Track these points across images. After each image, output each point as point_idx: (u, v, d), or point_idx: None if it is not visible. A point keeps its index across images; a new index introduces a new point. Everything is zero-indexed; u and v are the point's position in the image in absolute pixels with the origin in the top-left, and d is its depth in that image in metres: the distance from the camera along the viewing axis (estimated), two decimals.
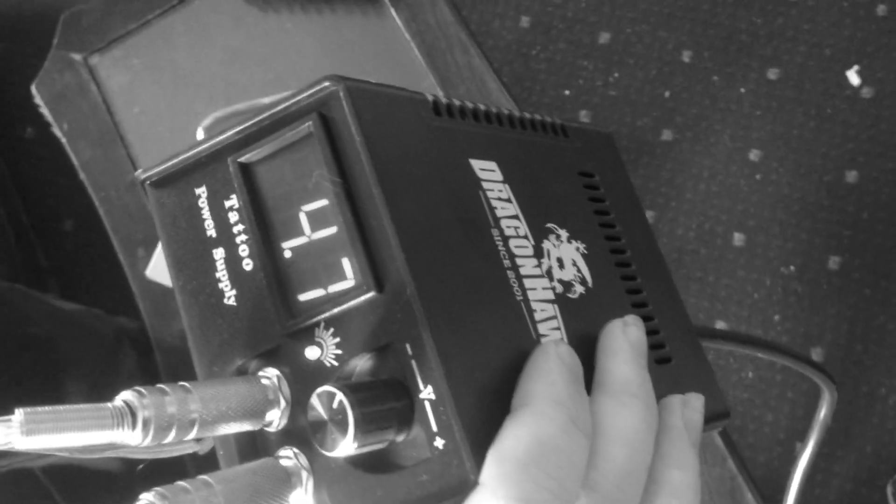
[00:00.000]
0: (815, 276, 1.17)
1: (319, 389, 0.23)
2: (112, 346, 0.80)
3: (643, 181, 1.26)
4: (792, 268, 1.18)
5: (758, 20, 1.29)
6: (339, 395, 0.23)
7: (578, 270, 0.30)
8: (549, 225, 0.30)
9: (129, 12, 0.81)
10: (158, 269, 0.74)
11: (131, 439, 0.23)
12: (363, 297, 0.25)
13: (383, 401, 0.24)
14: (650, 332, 0.30)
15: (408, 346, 0.24)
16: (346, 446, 0.23)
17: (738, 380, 1.15)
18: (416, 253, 0.24)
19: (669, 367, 0.31)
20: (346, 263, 0.25)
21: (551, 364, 0.25)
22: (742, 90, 1.27)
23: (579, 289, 0.29)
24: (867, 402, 1.12)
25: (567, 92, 1.31)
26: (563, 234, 0.30)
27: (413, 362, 0.24)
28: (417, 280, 0.24)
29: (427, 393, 0.24)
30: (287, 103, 0.26)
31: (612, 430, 0.26)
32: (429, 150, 0.27)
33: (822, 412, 0.49)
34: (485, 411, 0.24)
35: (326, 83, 0.26)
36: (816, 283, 1.16)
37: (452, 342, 0.24)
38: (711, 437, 0.64)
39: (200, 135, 0.78)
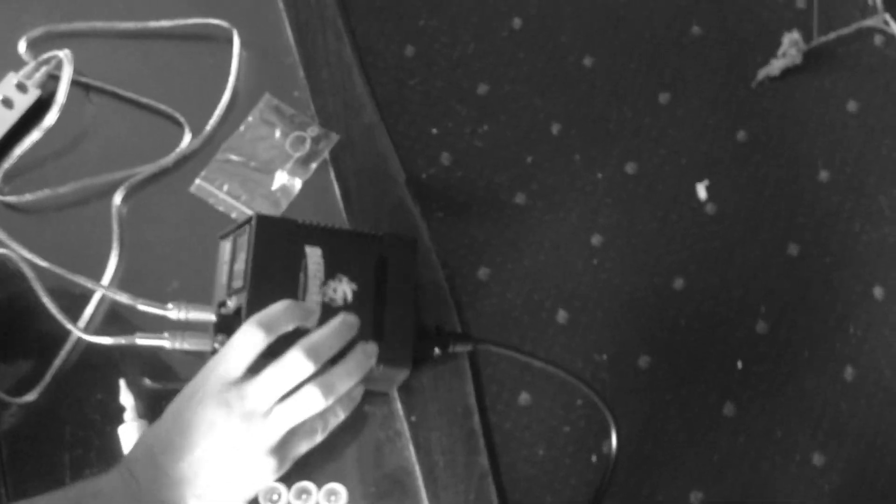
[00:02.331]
0: (624, 369, 1.18)
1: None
2: None
3: (487, 237, 1.24)
4: (605, 356, 1.19)
5: (628, 113, 1.32)
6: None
7: (344, 296, 0.60)
8: (339, 274, 0.60)
9: None
10: None
11: None
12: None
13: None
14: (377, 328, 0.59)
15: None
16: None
17: (527, 454, 1.14)
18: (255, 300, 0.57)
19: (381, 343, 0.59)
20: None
21: (277, 307, 0.56)
22: (599, 175, 1.28)
23: (340, 304, 0.60)
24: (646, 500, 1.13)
25: (434, 130, 1.28)
26: (345, 279, 0.60)
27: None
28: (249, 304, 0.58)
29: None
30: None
31: (283, 359, 0.54)
32: (284, 240, 0.60)
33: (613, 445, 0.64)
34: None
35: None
36: (624, 375, 1.18)
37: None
38: None
39: (22, 48, 0.69)
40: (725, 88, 1.33)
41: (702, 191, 1.29)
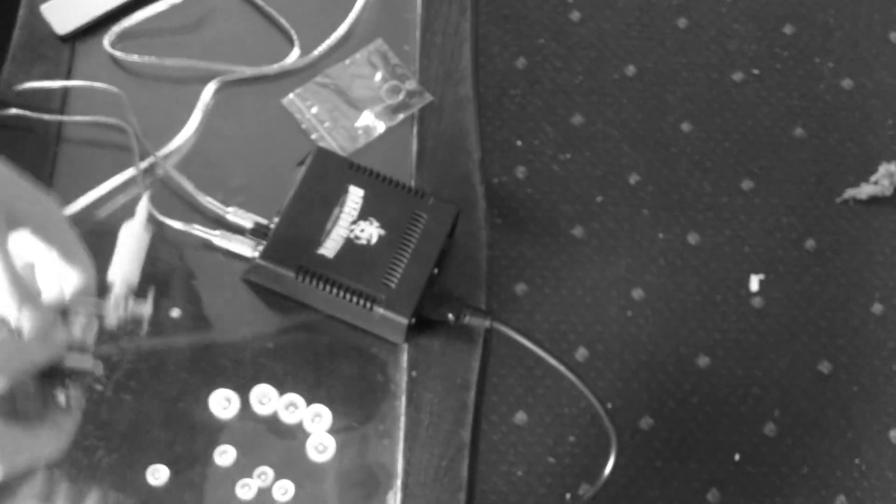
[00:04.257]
0: (624, 424, 1.18)
1: None
2: None
3: (535, 256, 1.26)
4: (610, 405, 1.19)
5: (708, 188, 1.32)
6: None
7: (369, 238, 0.62)
8: (372, 217, 0.63)
9: None
10: (57, 9, 0.68)
11: None
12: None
13: None
14: (389, 273, 0.63)
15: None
16: None
17: (506, 471, 1.15)
18: (289, 219, 0.63)
19: None
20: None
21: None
22: (660, 235, 1.29)
23: (363, 244, 0.62)
24: None
25: (519, 143, 1.31)
26: (376, 223, 0.63)
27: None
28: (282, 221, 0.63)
29: None
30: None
31: None
32: (334, 175, 0.64)
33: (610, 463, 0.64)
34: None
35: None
36: (622, 430, 1.18)
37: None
38: None
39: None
40: (809, 195, 1.34)
41: (755, 283, 1.28)
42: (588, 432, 1.18)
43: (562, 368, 0.65)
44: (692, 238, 1.30)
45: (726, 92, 1.37)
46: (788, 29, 1.41)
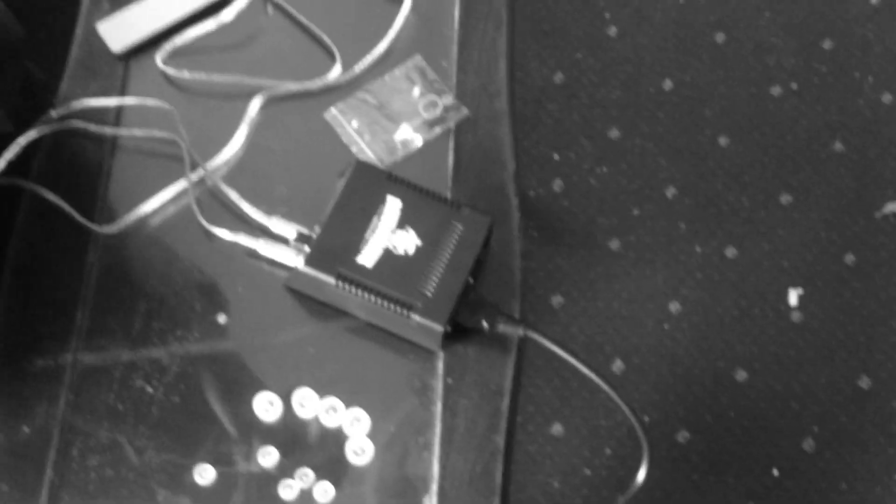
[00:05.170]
0: (660, 437, 1.19)
1: None
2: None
3: (571, 269, 1.27)
4: (646, 417, 1.20)
5: (746, 202, 1.33)
6: None
7: (406, 247, 0.65)
8: (409, 227, 0.65)
9: None
10: (112, 28, 0.71)
11: None
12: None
13: None
14: (425, 281, 0.64)
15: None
16: None
17: (542, 481, 1.15)
18: (330, 229, 0.65)
19: None
20: None
21: None
22: (698, 249, 1.29)
23: (400, 253, 0.65)
24: None
25: (556, 156, 1.32)
26: (413, 233, 0.65)
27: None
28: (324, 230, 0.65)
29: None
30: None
31: None
32: (373, 186, 0.66)
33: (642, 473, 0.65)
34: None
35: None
36: (659, 442, 1.18)
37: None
38: None
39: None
40: (848, 210, 1.33)
41: (793, 297, 1.28)
42: (624, 444, 1.19)
43: (597, 379, 0.66)
44: (730, 252, 1.30)
45: (764, 106, 1.37)
46: (827, 44, 1.41)
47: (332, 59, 0.73)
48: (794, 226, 1.31)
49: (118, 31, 0.71)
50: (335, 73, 0.73)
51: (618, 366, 1.22)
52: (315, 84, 0.72)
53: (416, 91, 0.73)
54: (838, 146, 1.36)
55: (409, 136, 0.72)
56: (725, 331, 1.26)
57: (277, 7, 0.75)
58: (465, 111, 0.73)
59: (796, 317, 1.27)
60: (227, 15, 0.72)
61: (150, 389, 0.63)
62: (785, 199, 1.33)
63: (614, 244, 1.29)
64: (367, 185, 0.66)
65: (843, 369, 1.24)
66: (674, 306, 1.26)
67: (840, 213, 1.33)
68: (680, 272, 1.28)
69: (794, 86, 1.38)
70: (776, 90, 1.38)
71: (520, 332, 0.65)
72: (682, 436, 1.20)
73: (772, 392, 1.23)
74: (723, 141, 1.36)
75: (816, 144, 1.36)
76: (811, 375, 1.24)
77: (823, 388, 1.23)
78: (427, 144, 0.72)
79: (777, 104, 1.38)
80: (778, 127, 1.37)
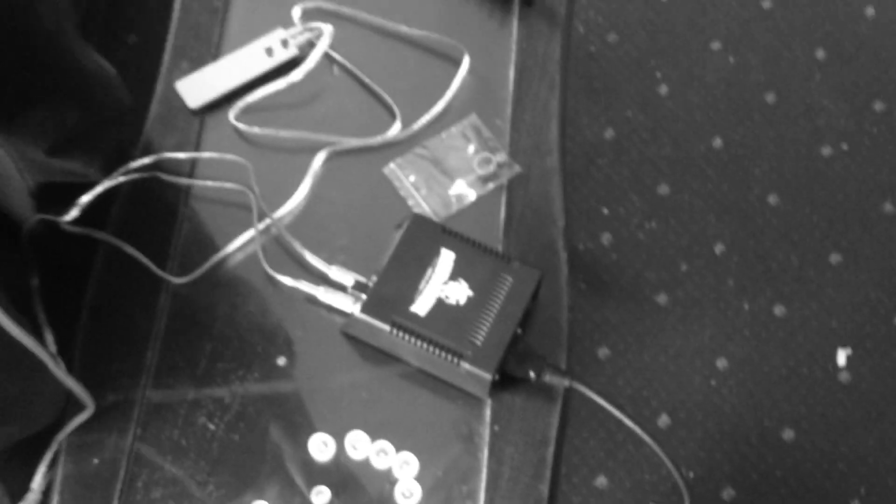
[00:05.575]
0: (705, 493, 1.19)
1: None
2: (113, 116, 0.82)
3: (618, 322, 1.28)
4: (692, 474, 1.20)
5: (795, 261, 1.33)
6: None
7: (458, 298, 0.68)
8: (462, 279, 0.68)
9: None
10: (189, 86, 0.76)
11: None
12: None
13: None
14: (476, 332, 0.67)
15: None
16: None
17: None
18: (386, 278, 0.69)
19: None
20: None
21: None
22: (746, 306, 1.30)
23: (452, 303, 0.68)
24: None
25: (605, 211, 1.35)
26: (465, 284, 0.68)
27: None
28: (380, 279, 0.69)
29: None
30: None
31: None
32: (428, 238, 0.70)
33: None
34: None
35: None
36: (703, 499, 1.18)
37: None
38: None
39: (296, 13, 0.80)
40: None
41: (842, 357, 1.28)
42: (669, 500, 1.19)
43: (641, 433, 0.68)
44: (778, 310, 1.30)
45: (814, 166, 1.38)
46: (878, 105, 1.42)
47: (393, 116, 0.77)
48: (843, 286, 1.32)
49: (195, 89, 0.76)
50: (395, 130, 0.77)
51: (664, 420, 1.23)
52: (376, 140, 0.76)
53: (471, 148, 0.77)
54: (888, 207, 1.37)
55: (464, 191, 0.75)
56: (773, 389, 1.26)
57: (343, 68, 0.79)
58: (517, 168, 0.76)
59: (844, 377, 1.27)
60: (297, 75, 0.77)
61: (212, 427, 0.67)
62: (834, 258, 1.34)
63: (662, 299, 1.30)
64: (422, 238, 0.69)
65: (891, 431, 1.23)
66: (721, 362, 1.27)
67: (890, 274, 1.32)
68: (728, 328, 1.29)
69: (845, 146, 1.39)
70: (827, 150, 1.39)
71: (565, 382, 0.67)
72: (728, 493, 1.19)
73: (819, 452, 1.22)
74: (772, 199, 1.37)
75: (866, 205, 1.36)
76: (859, 437, 1.23)
77: (871, 449, 1.22)
78: (480, 199, 0.75)
79: (827, 164, 1.39)
80: (828, 187, 1.37)
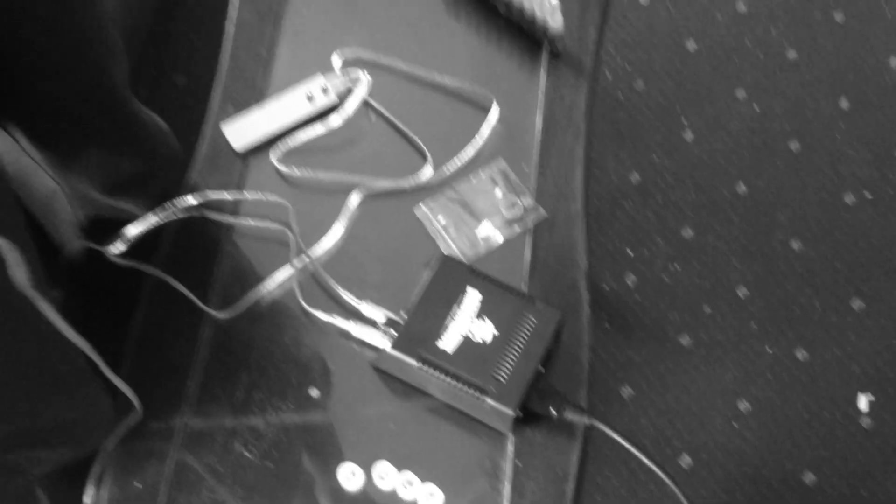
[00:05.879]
0: None
1: None
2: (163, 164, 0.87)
3: (642, 361, 1.30)
4: None
5: (818, 305, 1.35)
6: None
7: (483, 335, 0.71)
8: (487, 318, 0.71)
9: None
10: (235, 129, 0.81)
11: None
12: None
13: None
14: (500, 369, 0.70)
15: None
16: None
17: None
18: (416, 316, 0.72)
19: None
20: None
21: None
22: (768, 349, 1.32)
23: (478, 341, 0.71)
24: None
25: (630, 252, 1.37)
26: (490, 323, 0.71)
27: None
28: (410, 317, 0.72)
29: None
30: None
31: None
32: (456, 278, 0.73)
33: None
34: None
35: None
36: None
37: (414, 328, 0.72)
38: None
39: (336, 61, 0.85)
40: None
41: (863, 403, 1.29)
42: None
43: (660, 473, 0.70)
44: (800, 353, 1.32)
45: (838, 213, 1.40)
46: None
47: (424, 160, 0.81)
48: (865, 331, 1.33)
49: (240, 132, 0.80)
50: (426, 173, 0.81)
51: (685, 460, 1.24)
52: (408, 182, 0.80)
53: (499, 192, 0.80)
54: None
55: (491, 233, 0.79)
56: (795, 432, 1.27)
57: (378, 114, 0.83)
58: (542, 212, 0.80)
59: (866, 422, 1.27)
60: (336, 120, 0.81)
61: (247, 454, 0.70)
62: (857, 304, 1.35)
63: (685, 340, 1.32)
64: (450, 277, 0.73)
65: None
66: (743, 405, 1.28)
67: None
68: (750, 371, 1.30)
69: (868, 195, 1.41)
70: (850, 198, 1.41)
71: (585, 420, 0.70)
72: None
73: (840, 496, 1.23)
74: (795, 245, 1.39)
75: (888, 252, 1.38)
76: (880, 482, 1.23)
77: (892, 495, 1.22)
78: (506, 241, 0.79)
79: (851, 212, 1.41)
80: (851, 234, 1.39)
